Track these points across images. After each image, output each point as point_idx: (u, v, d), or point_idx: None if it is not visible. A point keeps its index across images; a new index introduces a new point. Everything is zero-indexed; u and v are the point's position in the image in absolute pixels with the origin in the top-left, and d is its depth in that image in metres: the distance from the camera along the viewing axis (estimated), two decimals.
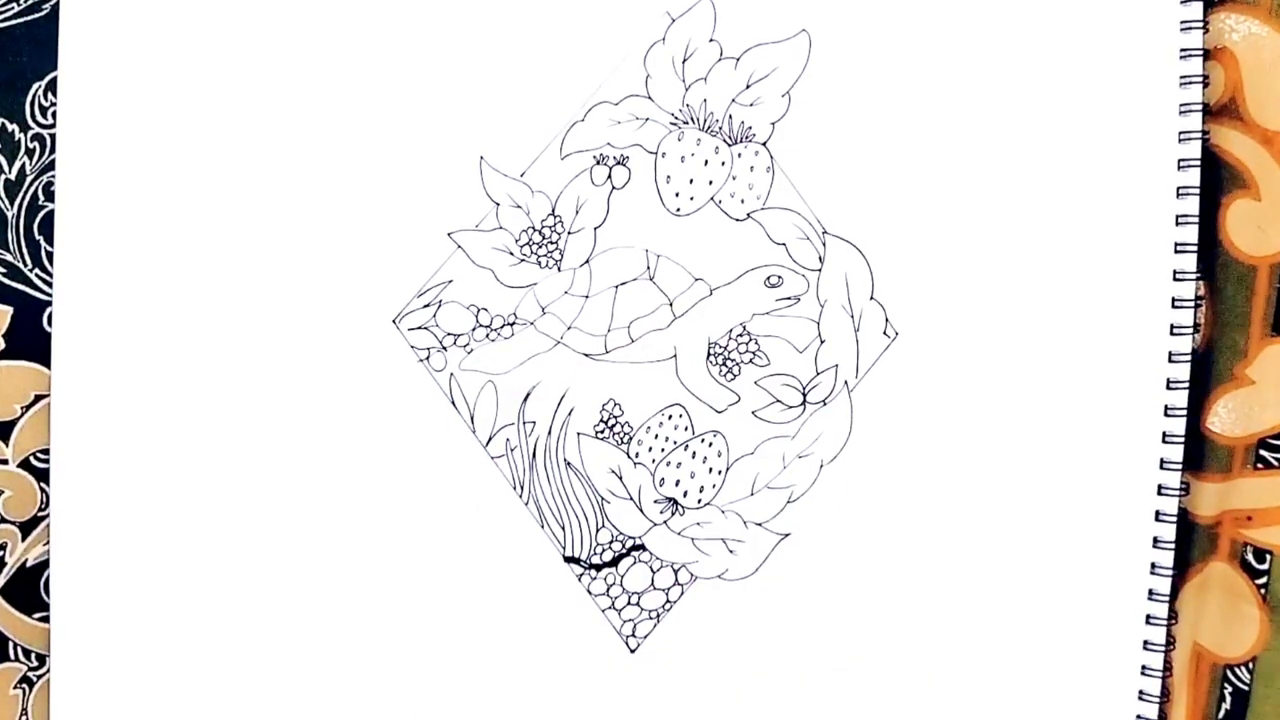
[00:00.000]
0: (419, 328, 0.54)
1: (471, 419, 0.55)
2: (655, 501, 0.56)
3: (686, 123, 0.56)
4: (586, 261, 0.55)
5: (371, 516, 0.55)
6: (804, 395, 0.57)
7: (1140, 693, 0.59)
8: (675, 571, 0.57)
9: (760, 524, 0.57)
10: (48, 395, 0.53)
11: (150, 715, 0.54)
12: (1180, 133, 0.57)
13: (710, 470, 0.57)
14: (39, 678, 0.55)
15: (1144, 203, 0.58)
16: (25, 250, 0.52)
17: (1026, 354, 0.58)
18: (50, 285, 0.52)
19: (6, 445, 0.53)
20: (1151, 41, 0.56)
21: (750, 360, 0.57)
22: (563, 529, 0.56)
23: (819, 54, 0.56)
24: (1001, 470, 0.58)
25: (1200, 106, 0.57)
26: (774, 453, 0.57)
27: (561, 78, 0.55)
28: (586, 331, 0.55)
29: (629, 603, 0.57)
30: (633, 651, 0.57)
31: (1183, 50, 0.56)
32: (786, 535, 0.58)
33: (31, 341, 0.53)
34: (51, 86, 0.52)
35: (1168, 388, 0.58)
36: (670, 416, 0.56)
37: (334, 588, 0.55)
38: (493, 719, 0.56)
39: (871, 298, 0.57)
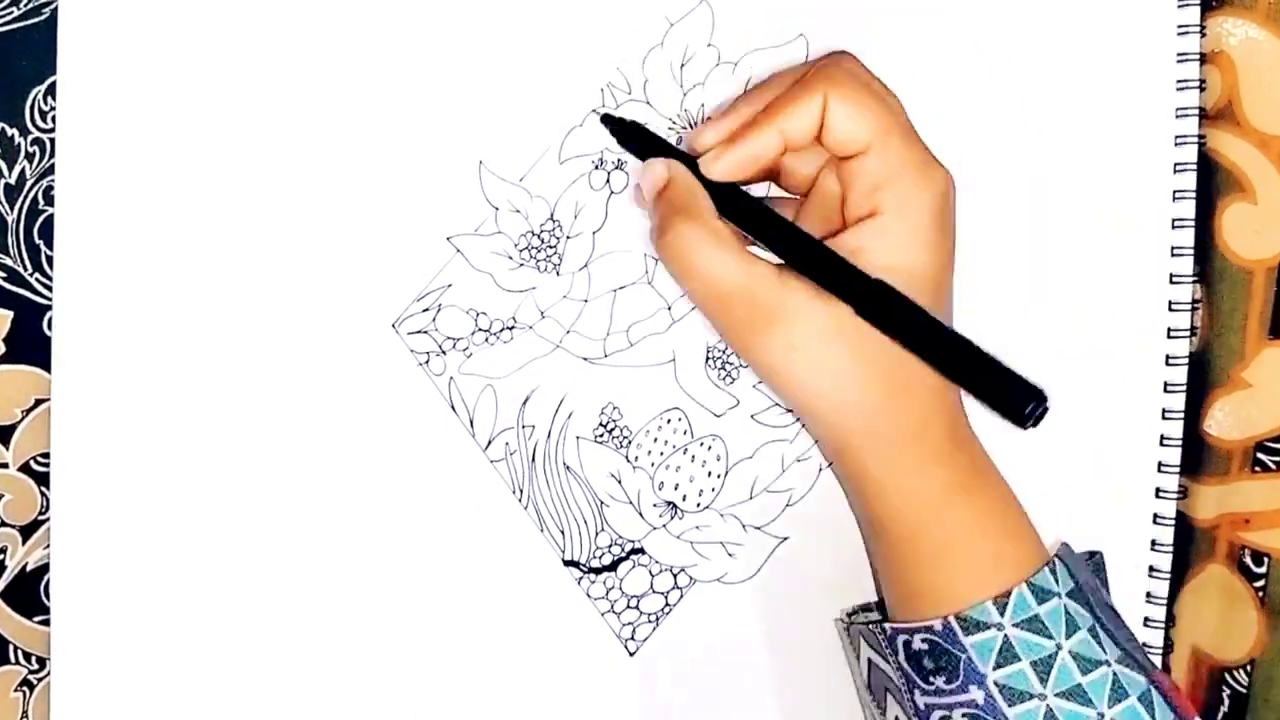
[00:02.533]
0: (418, 332, 0.54)
1: (471, 423, 0.55)
2: (654, 505, 0.57)
3: (684, 128, 0.56)
4: (585, 266, 0.55)
5: (371, 520, 0.55)
6: None
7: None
8: (674, 575, 0.57)
9: (759, 527, 0.57)
10: (48, 399, 0.53)
11: (150, 718, 0.54)
12: (1177, 137, 0.57)
13: (709, 474, 0.57)
14: (39, 681, 0.55)
15: (1141, 206, 0.58)
16: (25, 254, 0.52)
17: (1025, 357, 0.58)
18: (50, 289, 0.52)
19: (7, 449, 0.53)
20: (1149, 45, 0.57)
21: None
22: (562, 533, 0.56)
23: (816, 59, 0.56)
24: (1001, 471, 0.58)
25: (1197, 111, 0.57)
26: (772, 456, 0.57)
27: (560, 83, 0.55)
28: (585, 335, 0.55)
29: (628, 606, 0.57)
30: (632, 655, 0.57)
31: (1180, 54, 0.57)
32: (785, 539, 0.58)
33: (32, 346, 0.53)
34: (51, 91, 0.52)
35: (1165, 391, 0.58)
36: (669, 420, 0.57)
37: (334, 591, 0.55)
38: None
39: None
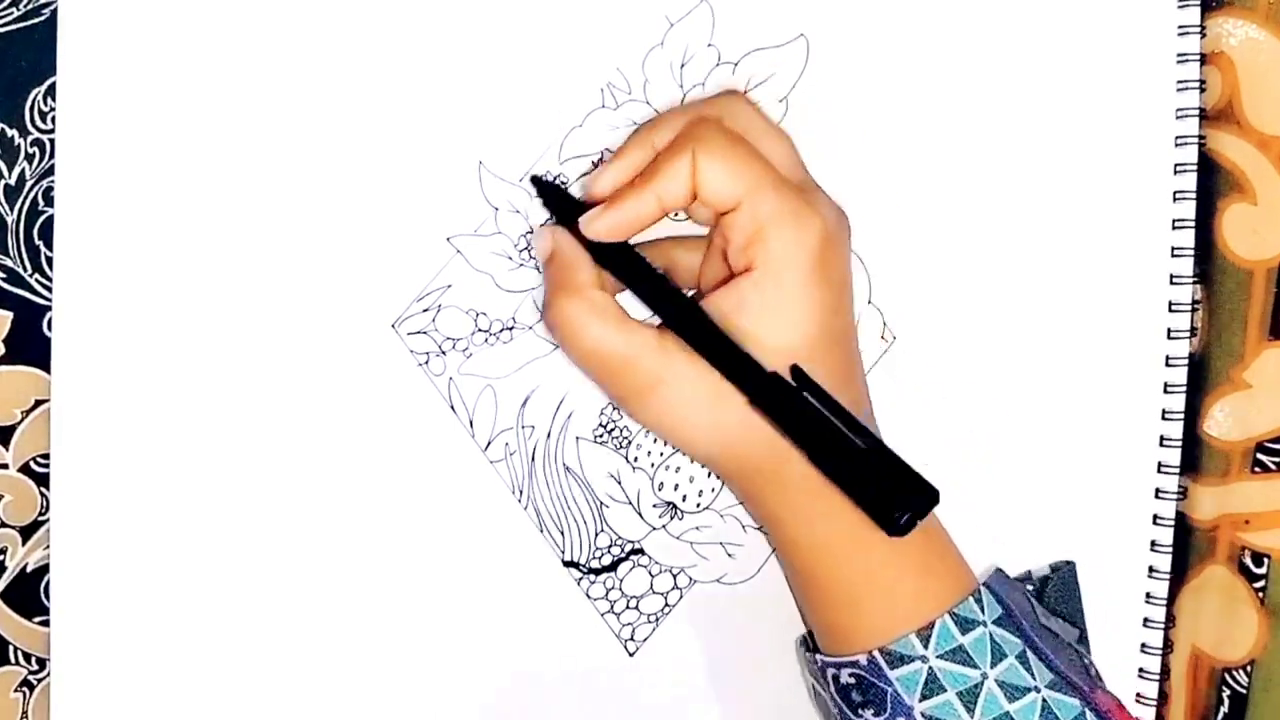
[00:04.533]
0: (418, 332, 0.54)
1: (470, 423, 0.55)
2: (654, 506, 0.57)
3: None
4: None
5: (371, 521, 0.55)
6: None
7: (1138, 695, 0.59)
8: (674, 575, 0.57)
9: (758, 528, 0.57)
10: (48, 400, 0.53)
11: (150, 718, 0.54)
12: (1177, 137, 0.57)
13: (709, 474, 0.57)
14: (39, 681, 0.55)
15: (1141, 207, 0.58)
16: (25, 255, 0.52)
17: (1024, 358, 0.58)
18: (50, 290, 0.52)
19: (7, 450, 0.53)
20: (1149, 46, 0.57)
21: None
22: (562, 533, 0.56)
23: (816, 59, 0.56)
24: (1000, 473, 0.58)
25: (1197, 111, 0.57)
26: None
27: (560, 83, 0.55)
28: None
29: (628, 606, 0.57)
30: (631, 655, 0.57)
31: (1180, 55, 0.57)
32: None
33: (31, 346, 0.53)
34: (51, 92, 0.52)
35: (1165, 391, 0.58)
36: None
37: (334, 591, 0.55)
38: None
39: (869, 302, 0.57)
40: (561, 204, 0.53)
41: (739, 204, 0.48)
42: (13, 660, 0.54)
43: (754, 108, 0.51)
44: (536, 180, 0.54)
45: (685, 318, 0.48)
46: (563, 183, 0.55)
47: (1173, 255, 0.58)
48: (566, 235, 0.51)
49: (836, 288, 0.49)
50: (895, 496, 0.43)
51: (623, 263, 0.50)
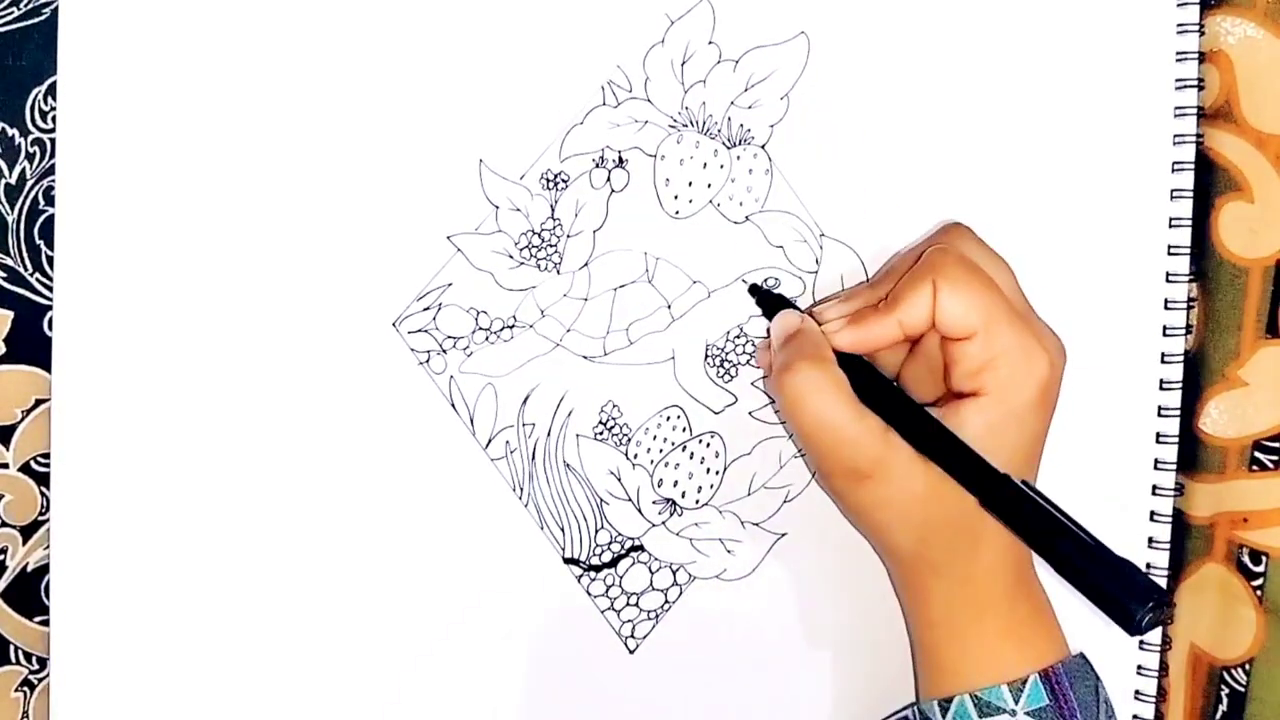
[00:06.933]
0: (419, 330, 0.54)
1: (471, 421, 0.55)
2: (654, 502, 0.57)
3: (685, 125, 0.56)
4: (585, 264, 0.55)
5: (371, 519, 0.55)
6: None
7: (1136, 692, 0.59)
8: (674, 572, 0.57)
9: (757, 524, 0.58)
10: (48, 399, 0.53)
11: (150, 718, 0.54)
12: (1175, 136, 0.57)
13: (708, 471, 0.57)
14: (39, 681, 0.55)
15: (1138, 205, 0.58)
16: (26, 255, 0.52)
17: None
18: (51, 289, 0.52)
19: (7, 449, 0.53)
20: (1147, 44, 0.57)
21: (748, 362, 0.57)
22: (562, 530, 0.56)
23: (817, 57, 0.56)
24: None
25: (1195, 110, 0.57)
26: (771, 453, 0.57)
27: (561, 81, 0.55)
28: (585, 334, 0.56)
29: (628, 603, 0.57)
30: (632, 652, 0.57)
31: (1178, 53, 0.57)
32: (783, 535, 0.58)
33: (32, 346, 0.53)
34: (51, 91, 0.52)
35: (1161, 388, 0.58)
36: (668, 418, 0.57)
37: (334, 590, 0.55)
38: None
39: None
40: (780, 309, 0.54)
41: (974, 334, 0.49)
42: (13, 660, 0.54)
43: (978, 240, 0.53)
44: (755, 289, 0.56)
45: (917, 420, 0.50)
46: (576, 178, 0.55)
47: (1169, 253, 0.58)
48: (813, 321, 0.53)
49: (1048, 418, 0.51)
50: (1131, 594, 0.44)
51: (855, 368, 0.51)
